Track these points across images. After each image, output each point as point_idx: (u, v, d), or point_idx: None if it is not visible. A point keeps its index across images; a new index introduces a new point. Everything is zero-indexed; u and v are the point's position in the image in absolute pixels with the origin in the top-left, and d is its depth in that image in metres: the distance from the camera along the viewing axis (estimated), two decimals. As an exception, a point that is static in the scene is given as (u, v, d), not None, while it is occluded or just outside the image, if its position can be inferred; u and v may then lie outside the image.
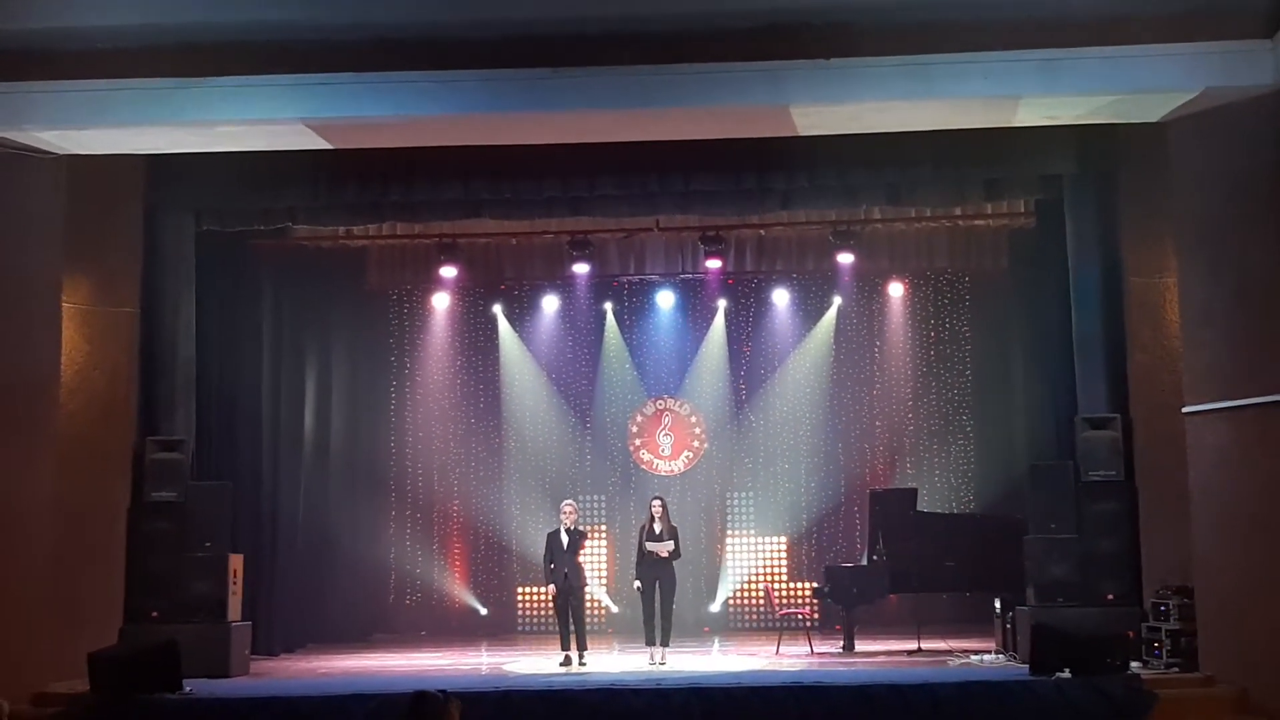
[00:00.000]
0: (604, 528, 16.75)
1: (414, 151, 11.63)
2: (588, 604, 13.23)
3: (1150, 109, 10.54)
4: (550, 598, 12.69)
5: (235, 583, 12.14)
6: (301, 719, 9.73)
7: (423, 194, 12.57)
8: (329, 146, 11.04)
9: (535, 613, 16.78)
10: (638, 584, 12.72)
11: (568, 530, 12.50)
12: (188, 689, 10.32)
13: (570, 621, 12.42)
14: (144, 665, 10.24)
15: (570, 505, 12.77)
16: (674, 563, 12.70)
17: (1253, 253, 9.93)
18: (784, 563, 16.75)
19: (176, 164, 11.85)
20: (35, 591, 10.71)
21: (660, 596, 12.56)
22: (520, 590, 16.90)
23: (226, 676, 11.58)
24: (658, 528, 12.65)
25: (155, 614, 11.75)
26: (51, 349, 11.31)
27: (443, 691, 5.64)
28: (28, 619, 10.55)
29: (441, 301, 16.80)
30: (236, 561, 12.22)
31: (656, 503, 12.84)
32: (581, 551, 12.69)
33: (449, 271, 15.32)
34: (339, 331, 16.31)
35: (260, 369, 14.39)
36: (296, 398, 15.31)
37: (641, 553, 12.67)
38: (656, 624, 12.55)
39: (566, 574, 12.41)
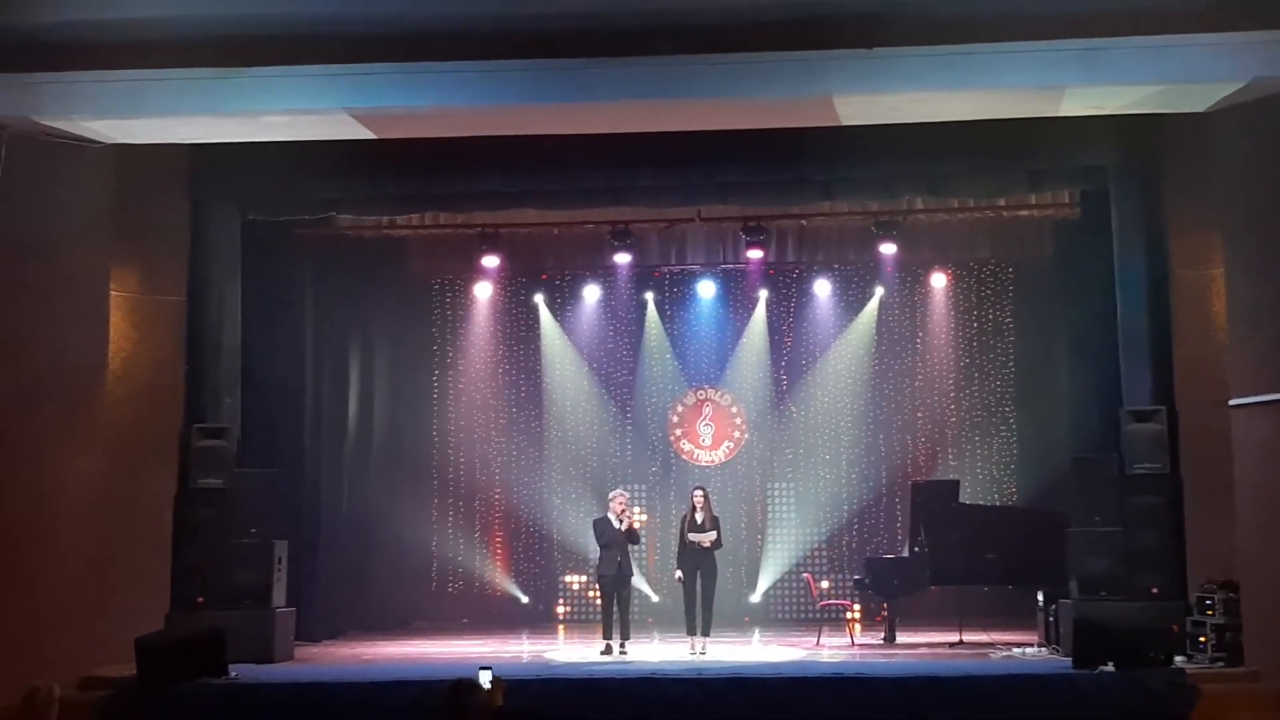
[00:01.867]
0: (644, 517, 16.77)
1: (456, 142, 11.68)
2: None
3: (1196, 99, 10.44)
4: (598, 586, 12.68)
5: (280, 569, 12.25)
6: (344, 705, 9.83)
7: (464, 184, 12.65)
8: (373, 136, 11.12)
9: (576, 601, 16.83)
10: (679, 574, 12.75)
11: (620, 520, 12.49)
12: (233, 674, 10.44)
13: (615, 610, 12.47)
14: (190, 650, 10.36)
15: (622, 495, 12.80)
16: (715, 553, 12.73)
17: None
18: (825, 554, 16.71)
19: (222, 154, 11.96)
20: (83, 577, 10.87)
21: (702, 586, 12.58)
22: (562, 579, 16.95)
23: (271, 662, 11.71)
24: (699, 517, 12.67)
25: (201, 600, 11.89)
26: (99, 337, 11.46)
27: (487, 667, 5.68)
28: (75, 604, 10.71)
29: (484, 291, 16.85)
30: (281, 548, 12.34)
31: (698, 493, 12.86)
32: (634, 545, 12.74)
33: (491, 261, 15.37)
34: (382, 321, 16.39)
35: (304, 358, 14.52)
36: (340, 386, 15.42)
37: (683, 543, 12.70)
38: (698, 614, 12.57)
39: (620, 561, 12.44)
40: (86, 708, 9.39)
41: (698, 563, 12.61)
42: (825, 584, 15.84)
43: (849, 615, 13.97)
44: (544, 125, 11.23)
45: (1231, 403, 10.46)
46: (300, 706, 9.89)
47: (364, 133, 10.96)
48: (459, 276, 16.95)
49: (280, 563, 12.26)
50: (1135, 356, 12.14)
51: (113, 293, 11.67)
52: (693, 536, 12.63)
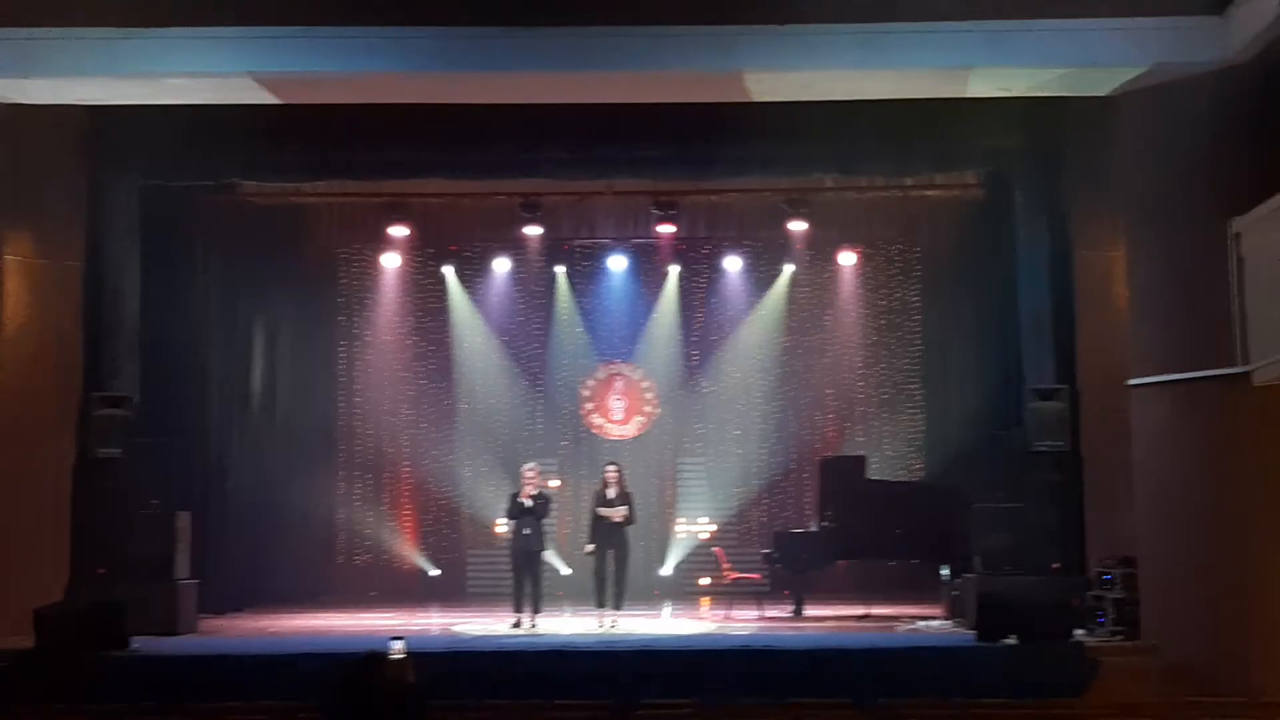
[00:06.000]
0: (557, 482, 16.71)
1: (364, 109, 11.52)
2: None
3: (1100, 83, 10.60)
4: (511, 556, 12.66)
5: (182, 541, 12.05)
6: (250, 677, 9.71)
7: (372, 152, 12.51)
8: (278, 101, 10.89)
9: (486, 574, 16.76)
10: (590, 547, 12.77)
11: (531, 495, 12.47)
12: (135, 646, 10.28)
13: (527, 584, 12.44)
14: (90, 622, 10.20)
15: (534, 468, 12.77)
16: (627, 529, 12.75)
17: (1197, 227, 10.01)
18: (734, 528, 16.81)
19: (121, 117, 11.66)
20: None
21: (615, 561, 12.61)
22: (470, 551, 16.87)
23: (174, 634, 11.53)
24: (611, 493, 12.69)
25: (102, 571, 11.68)
26: (-8, 302, 11.16)
27: (399, 637, 5.61)
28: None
29: (391, 261, 16.64)
30: (184, 519, 12.14)
31: (610, 468, 12.91)
32: (545, 517, 12.72)
33: (399, 231, 15.21)
34: (287, 290, 16.12)
35: (206, 327, 14.26)
36: (243, 357, 15.18)
37: (595, 517, 12.71)
38: (609, 588, 12.60)
39: (528, 535, 12.41)
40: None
41: (609, 538, 12.64)
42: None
43: (756, 589, 14.06)
44: (454, 94, 11.10)
45: (1130, 382, 10.66)
46: (204, 679, 9.76)
47: (269, 97, 10.72)
48: (366, 246, 16.72)
49: (183, 534, 12.06)
50: (1038, 336, 12.35)
51: (7, 257, 11.37)
52: (603, 511, 12.64)
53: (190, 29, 9.91)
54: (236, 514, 14.58)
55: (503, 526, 12.67)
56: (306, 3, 9.93)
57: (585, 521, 12.93)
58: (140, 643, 10.43)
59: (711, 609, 14.55)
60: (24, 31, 9.87)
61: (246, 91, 10.57)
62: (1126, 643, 10.61)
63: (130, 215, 12.49)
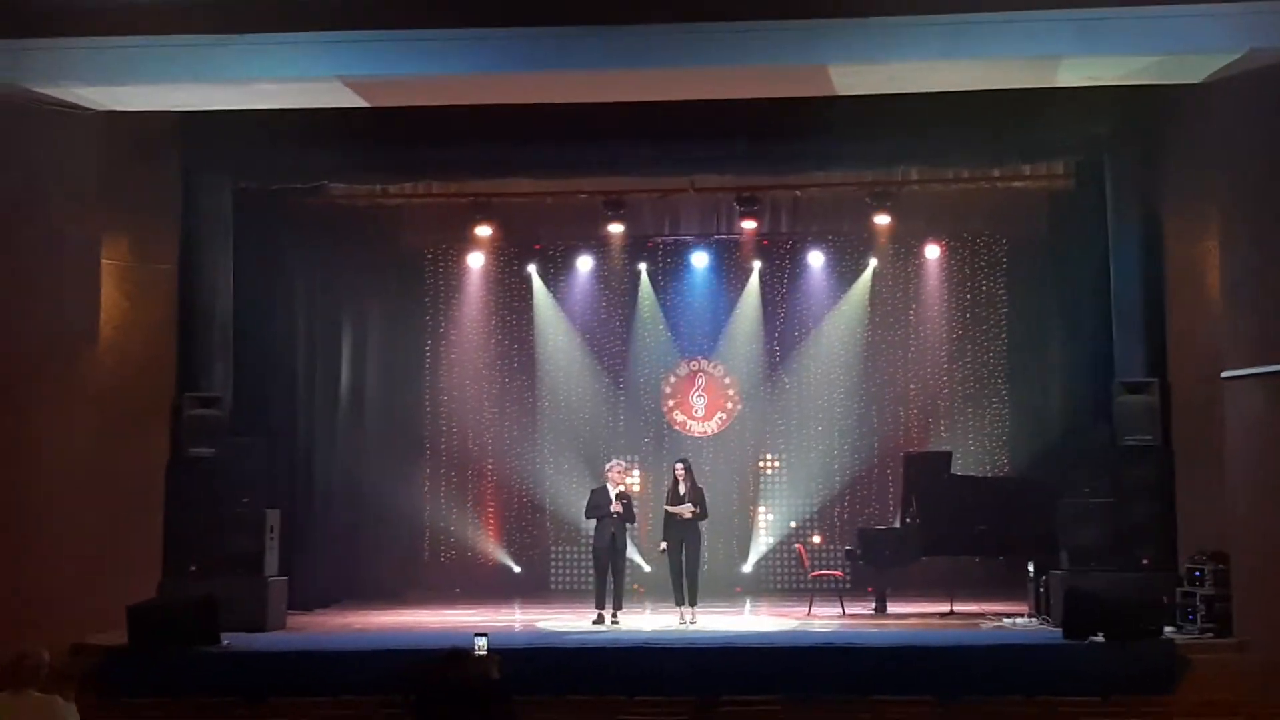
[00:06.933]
0: (637, 488, 16.76)
1: (450, 110, 11.60)
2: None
3: (1192, 70, 10.40)
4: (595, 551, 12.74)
5: (272, 538, 12.25)
6: (337, 673, 9.86)
7: (458, 152, 12.61)
8: (365, 104, 11.05)
9: (568, 571, 16.87)
10: (663, 545, 12.80)
11: (616, 495, 12.53)
12: (225, 642, 10.47)
13: (609, 580, 12.50)
14: (182, 618, 10.40)
15: (619, 465, 12.84)
16: (702, 524, 12.79)
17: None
18: (817, 524, 16.74)
19: (214, 121, 11.88)
20: (75, 545, 10.86)
21: (686, 557, 12.64)
22: (554, 548, 16.97)
23: (263, 631, 11.70)
24: (681, 490, 12.71)
25: (193, 568, 11.89)
26: (90, 306, 11.43)
27: (483, 633, 5.67)
28: (68, 571, 10.70)
29: (476, 261, 16.79)
30: (274, 517, 12.33)
31: (679, 465, 12.93)
32: (631, 520, 12.84)
33: (484, 231, 15.30)
34: (374, 290, 16.34)
35: (296, 327, 14.49)
36: (332, 356, 15.39)
37: (667, 515, 12.74)
38: (684, 584, 12.61)
39: (614, 533, 12.47)
40: (77, 674, 9.38)
41: (681, 534, 12.66)
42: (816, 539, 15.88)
43: (838, 586, 13.99)
44: (538, 94, 11.17)
45: (1224, 375, 10.47)
46: (293, 675, 9.93)
47: (357, 100, 10.89)
48: (452, 246, 16.88)
49: (272, 531, 12.25)
50: (1128, 328, 12.15)
51: (104, 261, 11.62)
52: (672, 509, 12.68)
53: (279, 34, 10.08)
54: (324, 511, 14.79)
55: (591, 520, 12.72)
56: (392, 6, 10.06)
57: (663, 519, 12.95)
58: (231, 639, 10.61)
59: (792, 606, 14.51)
60: (120, 40, 10.09)
61: (335, 95, 10.73)
62: (1217, 640, 10.42)
63: (222, 218, 12.72)
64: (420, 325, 17.23)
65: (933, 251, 16.50)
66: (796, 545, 15.46)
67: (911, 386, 16.85)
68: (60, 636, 10.05)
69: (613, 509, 12.47)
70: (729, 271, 16.99)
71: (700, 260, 16.83)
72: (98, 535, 11.13)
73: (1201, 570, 10.83)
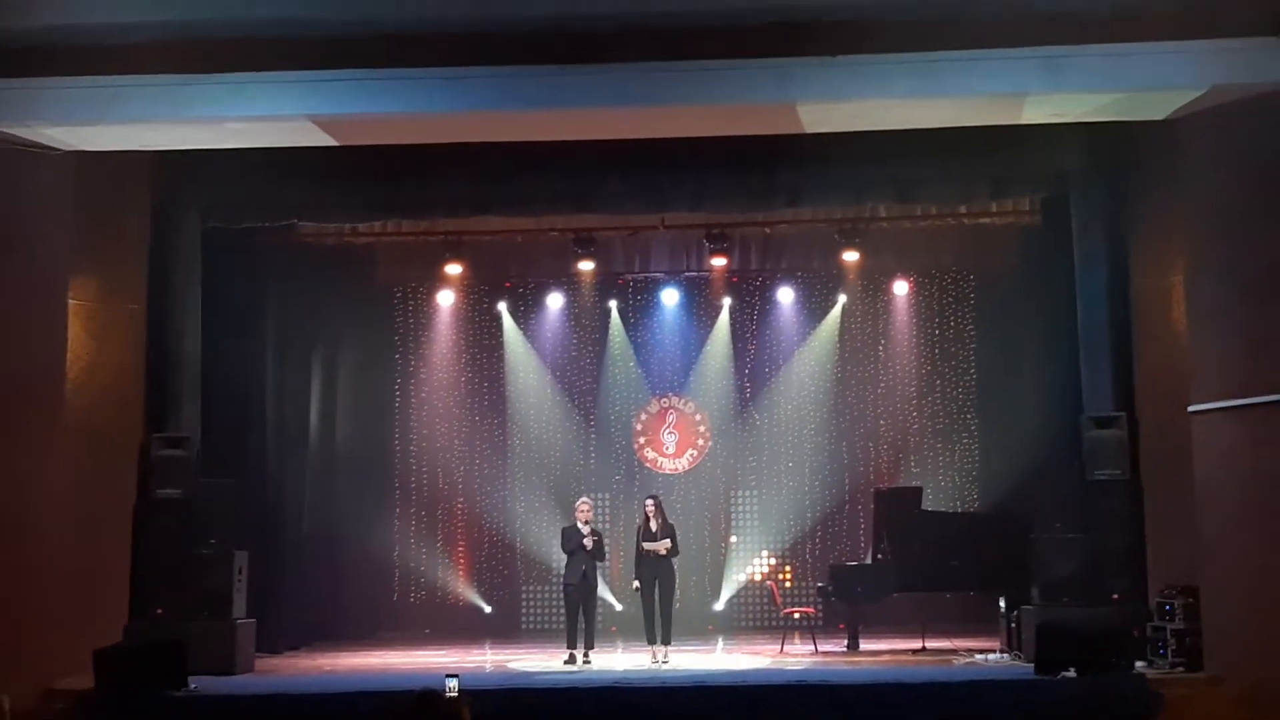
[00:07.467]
0: (608, 526, 16.71)
1: (420, 149, 11.62)
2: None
3: (1157, 107, 10.51)
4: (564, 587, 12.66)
5: (240, 579, 12.13)
6: (307, 716, 9.76)
7: (428, 191, 12.64)
8: (336, 143, 11.04)
9: (539, 611, 16.78)
10: (636, 584, 12.73)
11: (589, 529, 12.47)
12: (193, 686, 10.34)
13: (581, 619, 12.43)
14: (149, 662, 10.27)
15: (587, 502, 12.79)
16: (675, 560, 12.74)
17: (1261, 249, 9.91)
18: (789, 561, 16.73)
19: (183, 161, 11.86)
20: (42, 588, 10.70)
21: (660, 595, 12.57)
22: (525, 588, 16.89)
23: (232, 674, 11.56)
24: (653, 526, 12.66)
25: (161, 610, 11.76)
26: (58, 346, 11.31)
27: (454, 675, 5.63)
28: (34, 615, 10.54)
29: (446, 299, 16.79)
30: (241, 558, 12.22)
31: (650, 502, 12.88)
32: (601, 560, 12.76)
33: (454, 269, 15.30)
34: (345, 329, 16.30)
35: (266, 366, 14.40)
36: (302, 395, 15.30)
37: (639, 552, 12.68)
38: (657, 623, 12.56)
39: (585, 571, 12.41)
40: (48, 720, 9.26)
41: (655, 571, 12.59)
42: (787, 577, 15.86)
43: (810, 622, 13.96)
44: (509, 132, 11.19)
45: (1191, 409, 10.53)
46: (261, 718, 9.81)
47: (327, 139, 10.88)
48: (422, 284, 16.90)
49: (241, 573, 12.14)
50: (1096, 363, 12.22)
51: (71, 301, 11.51)
52: (647, 546, 12.61)
53: (250, 74, 10.03)
54: (293, 552, 14.66)
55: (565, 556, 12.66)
56: (362, 46, 10.04)
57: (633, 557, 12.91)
58: (199, 682, 10.49)
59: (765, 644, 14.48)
60: (89, 80, 10.02)
61: (305, 134, 10.71)
62: (1189, 674, 10.44)
63: (192, 257, 12.65)
64: (390, 363, 17.20)
65: (901, 287, 16.61)
66: (769, 583, 15.44)
67: (882, 422, 16.92)
68: (27, 681, 9.95)
69: (585, 541, 12.39)
70: (699, 308, 17.05)
71: (670, 297, 16.89)
72: (65, 577, 10.98)
73: (1172, 604, 10.86)
